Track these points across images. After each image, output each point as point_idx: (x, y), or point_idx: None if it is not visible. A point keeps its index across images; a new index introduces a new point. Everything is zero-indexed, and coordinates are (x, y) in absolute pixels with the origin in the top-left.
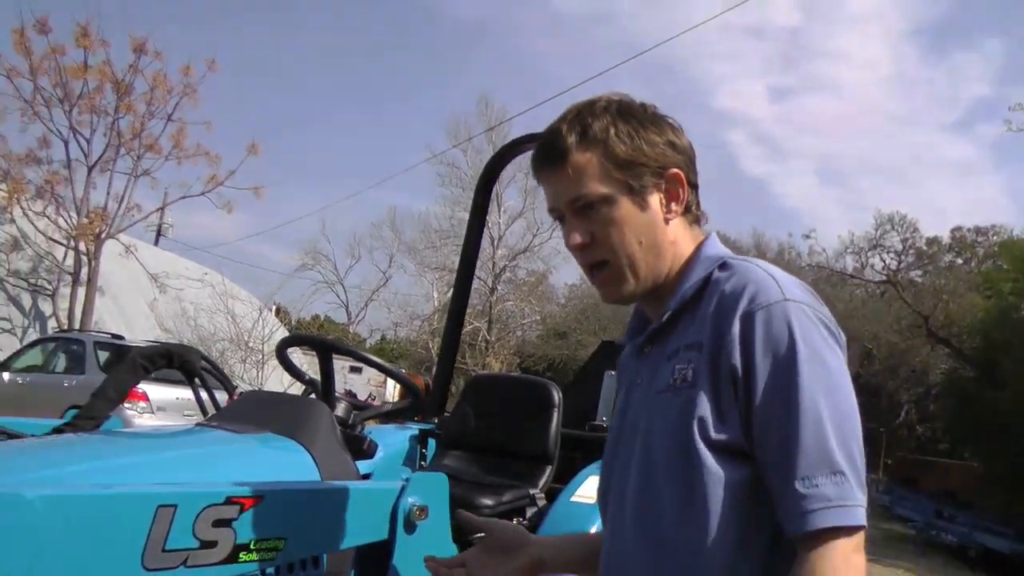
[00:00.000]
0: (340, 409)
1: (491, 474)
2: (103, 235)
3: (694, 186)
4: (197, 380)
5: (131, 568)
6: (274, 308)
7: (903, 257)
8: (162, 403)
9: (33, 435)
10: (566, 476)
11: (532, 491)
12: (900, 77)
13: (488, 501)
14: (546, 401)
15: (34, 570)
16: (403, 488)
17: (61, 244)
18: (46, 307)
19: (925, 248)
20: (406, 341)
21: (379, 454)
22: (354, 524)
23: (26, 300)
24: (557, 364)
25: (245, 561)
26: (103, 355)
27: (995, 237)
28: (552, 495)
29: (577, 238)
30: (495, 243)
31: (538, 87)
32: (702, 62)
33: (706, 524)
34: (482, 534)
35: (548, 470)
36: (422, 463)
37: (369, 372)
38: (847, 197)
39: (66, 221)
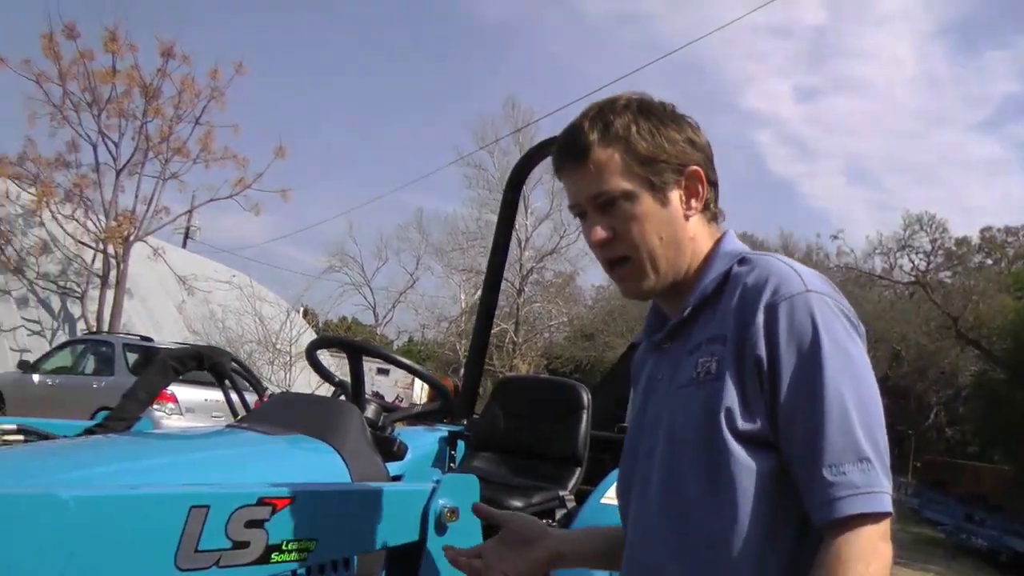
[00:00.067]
0: (370, 411)
1: (520, 476)
2: (131, 238)
3: (713, 184)
4: (227, 382)
5: (164, 568)
6: (302, 310)
7: (932, 258)
8: (191, 404)
9: (64, 436)
10: (595, 478)
11: (561, 493)
12: (928, 76)
13: (517, 503)
14: (575, 403)
15: (68, 570)
16: (434, 490)
17: (90, 247)
18: (75, 309)
19: (954, 248)
20: (433, 343)
21: (409, 456)
22: (385, 526)
23: (55, 302)
24: (584, 366)
25: (277, 562)
26: (132, 357)
27: None
28: (581, 497)
29: (600, 233)
30: (522, 245)
31: (565, 88)
32: (729, 62)
33: (734, 515)
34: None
35: (577, 472)
36: (451, 465)
37: (396, 374)
38: (875, 197)
39: (95, 224)
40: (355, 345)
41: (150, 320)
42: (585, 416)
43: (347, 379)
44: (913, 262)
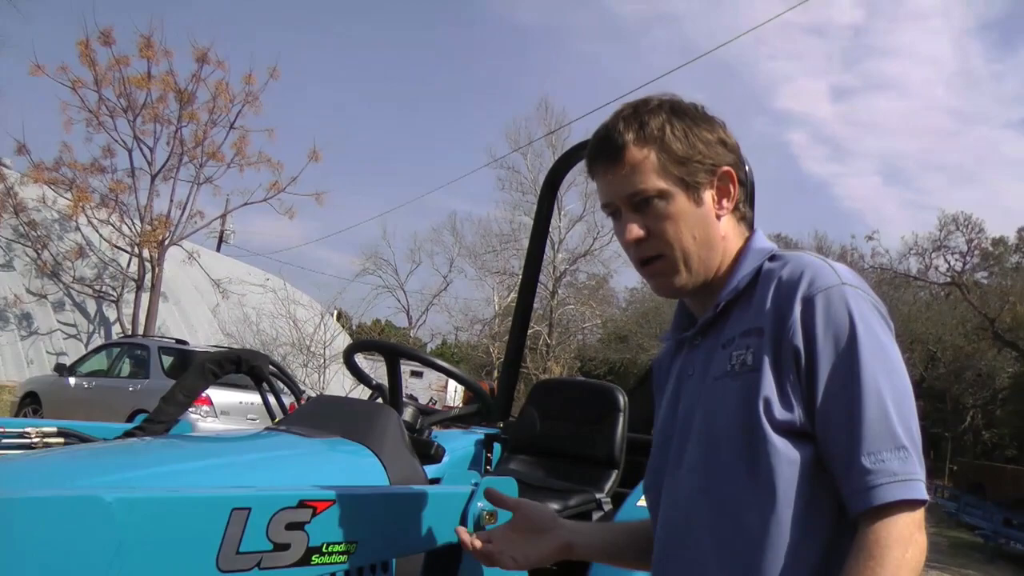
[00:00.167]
0: (408, 413)
1: (557, 478)
2: (166, 242)
3: (743, 184)
4: (265, 385)
5: (206, 569)
6: (335, 313)
7: (968, 258)
8: (225, 407)
9: (104, 439)
10: (631, 481)
11: (598, 495)
12: (965, 74)
13: (555, 505)
14: (611, 405)
15: (112, 571)
16: (473, 492)
17: (125, 251)
18: (111, 313)
19: (991, 249)
20: (467, 345)
21: (446, 459)
22: (424, 528)
23: (91, 306)
24: (618, 368)
25: (317, 564)
26: (167, 360)
27: None
28: (618, 500)
29: (635, 231)
30: (556, 247)
31: (598, 90)
32: (763, 62)
33: (773, 504)
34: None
35: (614, 474)
36: (488, 467)
37: (430, 376)
38: (910, 197)
39: (130, 228)
40: (393, 348)
41: (185, 323)
42: (621, 418)
43: (383, 382)
44: (949, 263)
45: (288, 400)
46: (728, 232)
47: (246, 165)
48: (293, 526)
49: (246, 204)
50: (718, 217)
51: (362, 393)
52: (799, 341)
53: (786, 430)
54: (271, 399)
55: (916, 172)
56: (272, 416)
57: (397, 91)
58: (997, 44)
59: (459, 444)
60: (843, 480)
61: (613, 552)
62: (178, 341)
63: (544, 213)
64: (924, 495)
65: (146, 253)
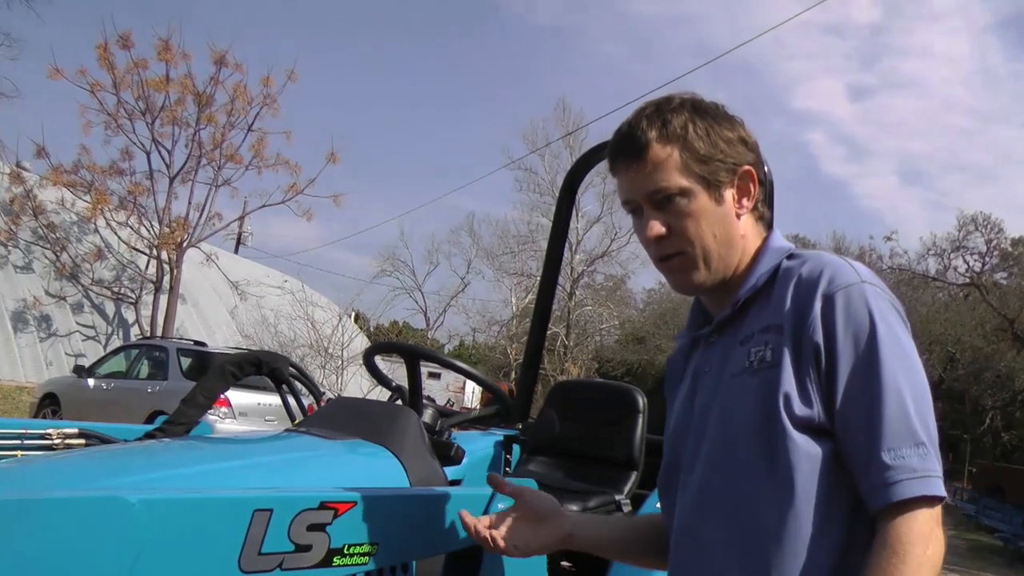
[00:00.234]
0: (427, 415)
1: (576, 480)
2: (184, 244)
3: (763, 184)
4: (285, 387)
5: (228, 570)
6: (353, 314)
7: (987, 258)
8: (243, 408)
9: (125, 440)
10: (651, 482)
11: (617, 497)
12: (985, 72)
13: (573, 507)
14: (631, 406)
15: (135, 571)
16: (493, 494)
17: (143, 253)
18: (129, 315)
19: (1010, 249)
20: (484, 347)
21: (465, 460)
22: (444, 530)
23: (109, 308)
24: (636, 369)
25: (338, 565)
26: (186, 361)
27: None
28: (638, 501)
29: (657, 228)
30: (573, 248)
31: (615, 91)
32: (781, 62)
33: (792, 499)
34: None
35: (633, 476)
36: (507, 469)
37: (448, 378)
38: (929, 197)
39: (148, 231)
40: (413, 350)
41: (203, 325)
42: (640, 420)
43: (402, 383)
44: (968, 263)
45: (306, 402)
46: (747, 231)
47: (264, 167)
48: (315, 527)
49: (264, 206)
50: (738, 216)
51: (380, 395)
52: (819, 338)
53: (805, 426)
54: (291, 401)
55: (935, 172)
56: (292, 418)
57: (414, 92)
58: (1016, 42)
59: (478, 446)
60: (862, 476)
61: (615, 546)
62: (196, 343)
63: (563, 215)
64: (943, 492)
65: (164, 255)
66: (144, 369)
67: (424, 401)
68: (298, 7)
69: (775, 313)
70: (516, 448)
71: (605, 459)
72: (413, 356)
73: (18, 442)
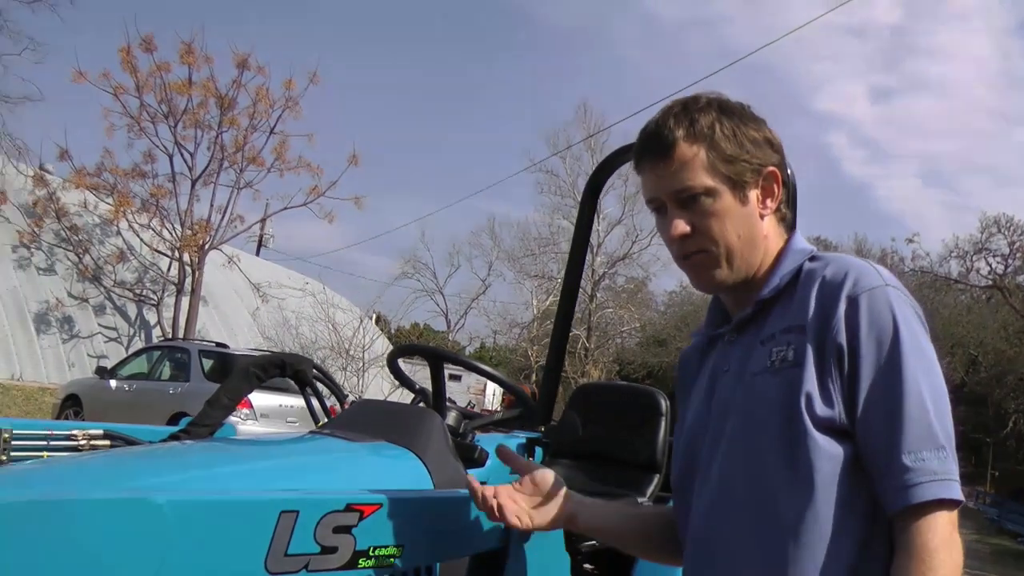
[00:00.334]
0: (451, 418)
1: (598, 482)
2: (206, 246)
3: (786, 185)
4: (308, 389)
5: (254, 571)
6: (374, 316)
7: (1010, 260)
8: (265, 410)
9: (150, 442)
10: None
11: (640, 499)
12: (1007, 73)
13: None
14: (653, 409)
15: (162, 571)
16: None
17: (165, 255)
18: (151, 316)
19: None
20: (505, 349)
21: (488, 462)
22: (469, 533)
23: (131, 310)
24: (657, 372)
25: (363, 567)
26: (207, 363)
27: None
28: (660, 504)
29: (682, 226)
30: (594, 250)
31: (636, 93)
32: (802, 64)
33: (812, 498)
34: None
35: (656, 479)
36: None
37: (469, 380)
38: (951, 199)
39: (170, 233)
40: (437, 353)
41: (225, 327)
42: (663, 422)
43: (424, 385)
44: (990, 265)
45: (329, 403)
46: (770, 231)
47: (286, 170)
48: (341, 529)
49: (285, 208)
50: (761, 216)
51: (401, 397)
52: (843, 339)
53: (826, 427)
54: (315, 403)
55: (957, 174)
56: (316, 420)
57: (436, 94)
58: None
59: None
60: (881, 477)
61: (615, 533)
62: (218, 344)
63: (585, 219)
64: (961, 496)
65: (186, 257)
66: (166, 371)
67: (447, 403)
68: (320, 9)
69: (798, 314)
70: (539, 451)
71: (628, 462)
72: (437, 359)
73: (44, 443)
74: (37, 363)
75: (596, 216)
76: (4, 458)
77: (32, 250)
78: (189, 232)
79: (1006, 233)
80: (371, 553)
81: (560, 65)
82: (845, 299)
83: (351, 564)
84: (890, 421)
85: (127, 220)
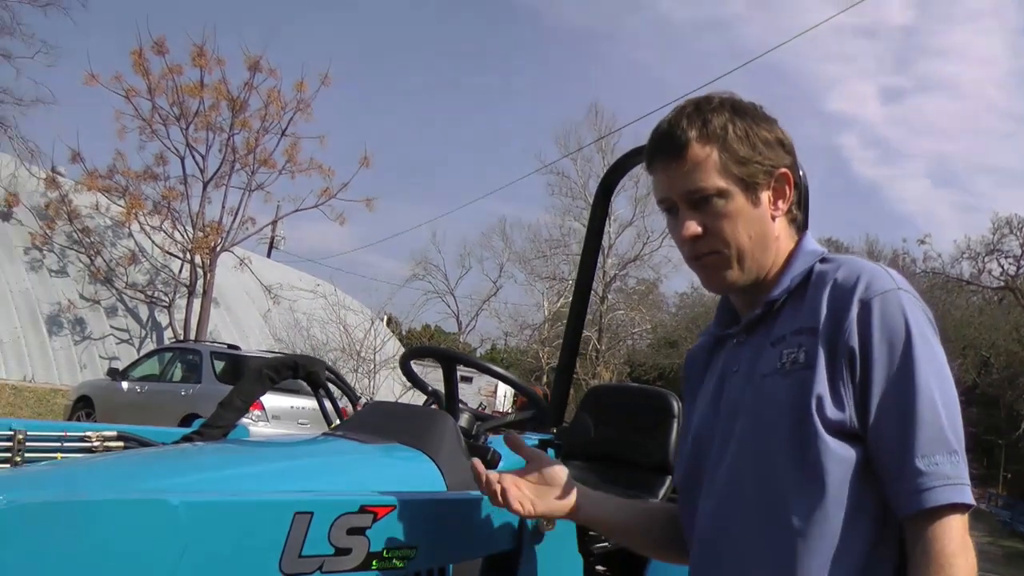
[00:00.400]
0: (464, 419)
1: (610, 484)
2: (218, 248)
3: (797, 186)
4: (322, 391)
5: (269, 572)
6: (385, 318)
7: (1022, 262)
8: (277, 411)
9: (163, 443)
10: None
11: (652, 501)
12: (1019, 73)
13: None
14: (665, 411)
15: (178, 572)
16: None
17: (177, 257)
18: (162, 318)
19: None
20: (516, 350)
21: (501, 464)
22: (482, 535)
23: (143, 311)
24: (668, 373)
25: (377, 569)
26: (219, 365)
27: None
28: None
29: (694, 228)
30: (605, 252)
31: (647, 94)
32: (813, 64)
33: (820, 502)
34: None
35: (668, 480)
36: None
37: (480, 382)
38: (963, 200)
39: (182, 235)
40: (450, 355)
41: (236, 328)
42: (675, 424)
43: (437, 387)
44: (1002, 266)
45: (341, 405)
46: (781, 233)
47: (297, 172)
48: (355, 531)
49: (297, 210)
50: (773, 218)
51: (412, 398)
52: (855, 342)
53: (837, 429)
54: (327, 404)
55: (968, 174)
56: (328, 421)
57: (445, 96)
58: None
59: None
60: (894, 480)
61: (620, 527)
62: (230, 346)
63: (597, 220)
64: (972, 500)
65: (198, 259)
66: (177, 372)
67: (460, 405)
68: (332, 9)
69: (809, 316)
70: (551, 452)
71: (640, 464)
72: (450, 361)
73: (58, 444)
74: (49, 365)
75: (608, 218)
76: (18, 459)
77: (44, 252)
78: (201, 234)
79: (1018, 234)
80: (385, 555)
81: (570, 65)
82: (857, 302)
83: (365, 565)
84: (903, 425)
85: (139, 222)
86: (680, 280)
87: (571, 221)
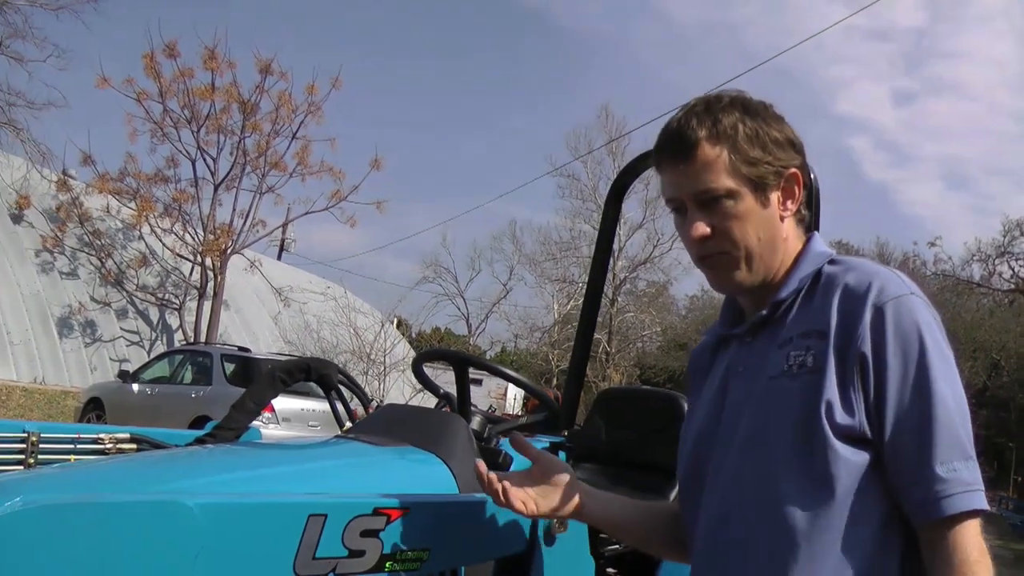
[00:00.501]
0: (475, 422)
1: (622, 486)
2: (228, 250)
3: (807, 187)
4: (333, 393)
5: (283, 573)
6: (395, 321)
7: None
8: (287, 414)
9: (176, 445)
10: None
11: (658, 500)
12: None
13: None
14: (676, 414)
15: (193, 573)
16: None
17: (188, 260)
18: (173, 320)
19: None
20: (526, 353)
21: (513, 467)
22: (494, 537)
23: (154, 314)
24: (678, 376)
25: (390, 571)
26: (229, 367)
27: None
28: None
29: (703, 228)
30: (615, 255)
31: (657, 97)
32: (824, 67)
33: (827, 504)
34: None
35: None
36: None
37: (490, 384)
38: (974, 202)
39: (193, 237)
40: (462, 357)
41: (246, 331)
42: None
43: (448, 390)
44: (1013, 269)
45: (352, 407)
46: (789, 233)
47: (308, 174)
48: (368, 533)
49: (307, 213)
50: (782, 218)
51: (422, 401)
52: (867, 348)
53: (846, 435)
54: (339, 407)
55: (979, 177)
56: (340, 424)
57: (455, 99)
58: None
59: None
60: (911, 487)
61: (624, 525)
62: (240, 348)
63: (609, 223)
64: (987, 505)
65: (208, 262)
66: (188, 374)
67: (471, 408)
68: (343, 13)
69: (818, 318)
70: (562, 454)
71: (651, 466)
72: (462, 363)
73: (71, 446)
74: (60, 367)
75: (619, 220)
76: (32, 461)
77: (55, 254)
78: (211, 236)
79: None
80: (398, 557)
81: (580, 68)
82: (871, 308)
83: (378, 567)
84: (921, 431)
85: (150, 225)
86: (690, 283)
87: (581, 223)
